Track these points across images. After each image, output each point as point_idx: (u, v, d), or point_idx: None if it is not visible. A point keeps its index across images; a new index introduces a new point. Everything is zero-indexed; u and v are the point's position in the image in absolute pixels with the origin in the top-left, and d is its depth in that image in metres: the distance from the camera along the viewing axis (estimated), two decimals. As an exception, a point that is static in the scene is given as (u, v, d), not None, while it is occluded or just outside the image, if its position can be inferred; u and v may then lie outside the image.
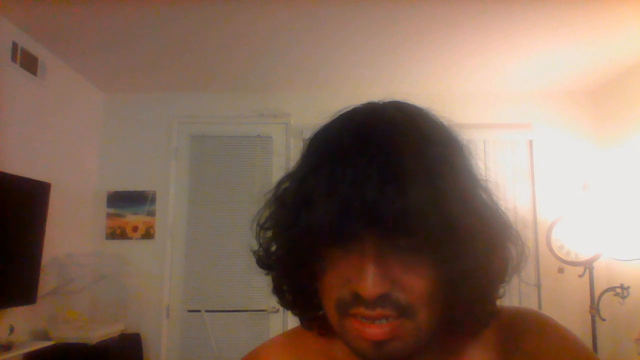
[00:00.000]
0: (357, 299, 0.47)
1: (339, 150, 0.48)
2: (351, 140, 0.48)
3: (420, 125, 0.50)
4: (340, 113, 0.54)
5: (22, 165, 2.44)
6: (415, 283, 0.47)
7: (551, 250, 2.93)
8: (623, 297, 2.79)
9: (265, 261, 0.57)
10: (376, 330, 0.47)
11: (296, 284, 0.55)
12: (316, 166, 0.49)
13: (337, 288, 0.49)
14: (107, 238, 3.23)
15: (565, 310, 3.10)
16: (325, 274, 0.50)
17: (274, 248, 0.55)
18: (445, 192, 0.46)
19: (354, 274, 0.47)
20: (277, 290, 0.57)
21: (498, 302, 0.54)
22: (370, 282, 0.45)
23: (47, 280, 2.56)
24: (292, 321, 3.16)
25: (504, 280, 0.52)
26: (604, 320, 2.83)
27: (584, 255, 2.80)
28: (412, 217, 0.44)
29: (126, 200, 3.27)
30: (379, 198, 0.44)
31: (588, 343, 2.79)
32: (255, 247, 0.57)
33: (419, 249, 0.46)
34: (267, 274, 0.58)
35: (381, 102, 0.55)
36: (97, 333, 2.59)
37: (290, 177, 0.53)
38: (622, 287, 2.80)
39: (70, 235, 2.93)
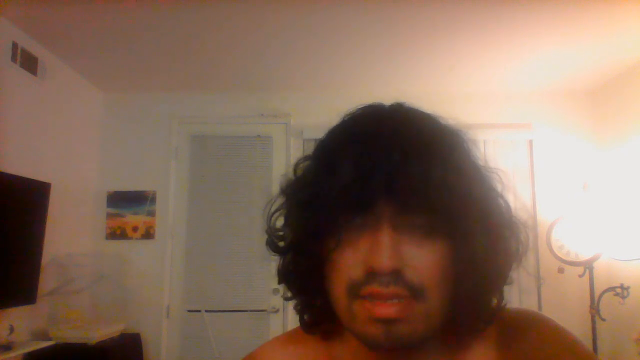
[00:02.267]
0: (371, 277, 0.47)
1: (359, 130, 0.51)
2: (371, 122, 0.52)
3: (431, 118, 0.54)
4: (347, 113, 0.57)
5: (22, 165, 2.44)
6: (427, 264, 0.48)
7: (551, 250, 2.93)
8: (623, 297, 2.79)
9: (277, 241, 0.57)
10: (387, 309, 0.46)
11: (306, 263, 0.53)
12: (338, 143, 0.52)
13: (350, 268, 0.49)
14: (107, 238, 3.23)
15: (565, 310, 3.10)
16: (339, 254, 0.50)
17: (288, 225, 0.56)
18: (463, 172, 0.49)
19: (369, 250, 0.47)
20: (284, 276, 0.56)
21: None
22: (385, 256, 0.46)
23: (47, 280, 2.56)
24: (292, 321, 3.16)
25: (511, 268, 0.53)
26: (604, 320, 2.82)
27: (584, 255, 2.80)
28: (432, 190, 0.46)
29: (126, 200, 3.27)
30: (401, 166, 0.46)
31: (588, 343, 2.79)
32: (268, 232, 0.58)
33: (434, 227, 0.47)
34: (278, 253, 0.57)
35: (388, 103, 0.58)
36: (97, 333, 2.59)
37: (308, 157, 0.55)
38: (622, 287, 2.80)
39: (70, 235, 2.93)
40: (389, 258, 0.46)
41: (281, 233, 0.57)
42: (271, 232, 0.57)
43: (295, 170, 0.56)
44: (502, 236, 0.51)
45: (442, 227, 0.47)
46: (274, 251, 0.57)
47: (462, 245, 0.48)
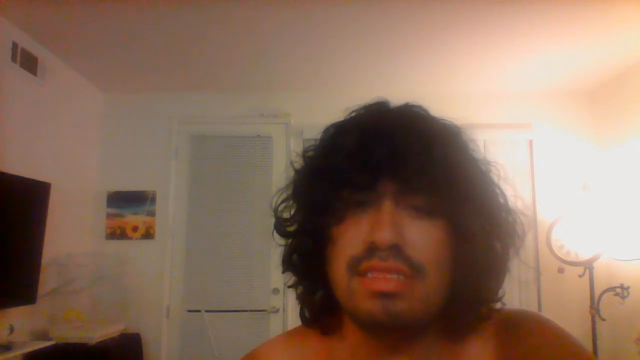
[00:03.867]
0: (371, 252, 0.48)
1: (365, 116, 0.54)
2: (377, 110, 0.54)
3: (434, 115, 0.56)
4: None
5: (22, 165, 2.44)
6: (427, 242, 0.49)
7: (551, 250, 2.93)
8: (623, 297, 2.79)
9: (285, 225, 0.58)
10: (386, 283, 0.47)
11: (310, 243, 0.54)
12: (343, 127, 0.54)
13: (351, 244, 0.50)
14: (107, 238, 3.23)
15: (565, 310, 3.10)
16: (340, 231, 0.51)
17: (294, 202, 0.57)
18: (463, 157, 0.51)
19: (370, 226, 0.49)
20: (288, 261, 0.58)
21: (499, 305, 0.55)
22: (385, 230, 0.47)
23: (47, 280, 2.56)
24: (292, 321, 3.16)
25: (509, 254, 0.54)
26: (604, 320, 2.83)
27: (584, 255, 2.80)
28: (433, 169, 0.47)
29: (126, 200, 3.27)
30: (404, 145, 0.48)
31: (588, 343, 2.79)
32: (276, 216, 0.59)
33: (434, 207, 0.49)
34: (285, 236, 0.58)
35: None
36: (97, 333, 2.59)
37: (316, 144, 0.57)
38: (622, 287, 2.80)
39: (70, 235, 2.93)
40: (389, 233, 0.47)
41: (288, 217, 0.58)
42: (279, 216, 0.58)
43: (303, 156, 0.58)
44: (499, 221, 0.53)
45: (442, 207, 0.49)
46: (281, 235, 0.58)
47: (460, 227, 0.49)
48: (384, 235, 0.47)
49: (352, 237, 0.50)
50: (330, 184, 0.50)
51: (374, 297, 0.47)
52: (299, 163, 0.57)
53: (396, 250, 0.47)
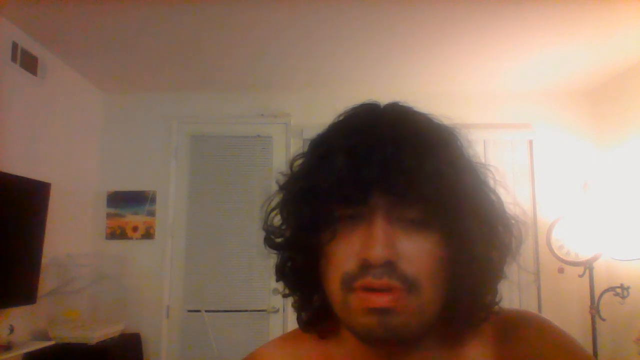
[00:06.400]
0: (364, 269, 0.47)
1: (354, 125, 0.52)
2: (365, 117, 0.52)
3: (425, 116, 0.55)
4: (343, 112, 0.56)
5: (22, 165, 2.44)
6: (420, 257, 0.48)
7: (551, 250, 2.94)
8: (623, 297, 2.80)
9: (274, 237, 0.57)
10: (381, 299, 0.46)
11: (302, 258, 0.54)
12: (332, 137, 0.52)
13: (344, 261, 0.49)
14: (107, 238, 3.23)
15: (565, 310, 3.10)
16: (333, 247, 0.50)
17: (284, 221, 0.56)
18: (457, 166, 0.49)
19: (363, 243, 0.48)
20: (281, 273, 0.57)
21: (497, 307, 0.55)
22: (378, 247, 0.46)
23: (47, 280, 2.56)
24: (292, 321, 3.16)
25: (505, 262, 0.53)
26: (604, 320, 2.83)
27: (584, 255, 2.80)
28: (425, 181, 0.46)
29: (126, 200, 3.27)
30: (395, 158, 0.47)
31: (588, 343, 2.79)
32: (265, 229, 0.58)
33: (427, 220, 0.48)
34: (275, 250, 0.57)
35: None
36: (97, 333, 2.59)
37: (304, 153, 0.55)
38: (622, 287, 2.80)
39: (70, 235, 2.93)
40: (382, 249, 0.46)
41: (278, 229, 0.57)
42: (268, 228, 0.57)
43: (291, 167, 0.56)
44: (495, 229, 0.52)
45: (435, 219, 0.48)
46: (271, 248, 0.57)
47: (456, 238, 0.48)
48: (377, 253, 0.46)
49: (344, 253, 0.49)
50: (320, 201, 0.49)
51: (370, 313, 0.47)
52: (285, 177, 0.56)
53: (390, 266, 0.46)
